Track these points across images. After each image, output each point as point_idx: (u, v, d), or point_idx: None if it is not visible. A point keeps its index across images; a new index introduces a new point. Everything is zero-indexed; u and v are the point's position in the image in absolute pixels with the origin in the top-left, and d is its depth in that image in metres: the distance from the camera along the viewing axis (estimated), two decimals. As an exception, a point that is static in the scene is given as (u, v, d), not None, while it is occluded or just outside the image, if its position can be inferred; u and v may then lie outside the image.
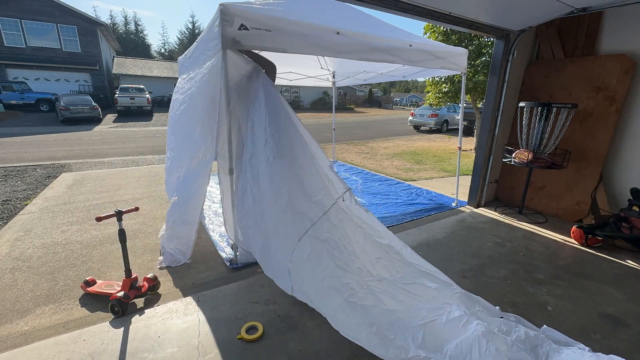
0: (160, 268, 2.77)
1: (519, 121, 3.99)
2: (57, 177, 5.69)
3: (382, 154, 9.03)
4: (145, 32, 55.84)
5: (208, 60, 2.76)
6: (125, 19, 44.93)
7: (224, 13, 2.25)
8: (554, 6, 3.20)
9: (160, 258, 2.86)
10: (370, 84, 36.06)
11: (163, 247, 2.92)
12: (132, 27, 42.44)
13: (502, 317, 1.94)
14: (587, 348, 1.79)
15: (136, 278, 2.30)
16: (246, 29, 2.32)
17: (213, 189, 4.91)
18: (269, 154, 2.32)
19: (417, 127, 16.79)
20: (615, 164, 3.81)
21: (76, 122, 14.03)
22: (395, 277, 2.09)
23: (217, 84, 2.51)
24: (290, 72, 5.78)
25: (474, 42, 8.30)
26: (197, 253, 3.05)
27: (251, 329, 2.02)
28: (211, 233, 3.44)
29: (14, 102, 16.53)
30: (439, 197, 4.91)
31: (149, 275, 2.39)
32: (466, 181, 4.80)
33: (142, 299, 2.34)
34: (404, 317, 1.89)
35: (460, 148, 4.47)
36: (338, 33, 2.79)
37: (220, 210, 3.88)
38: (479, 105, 10.06)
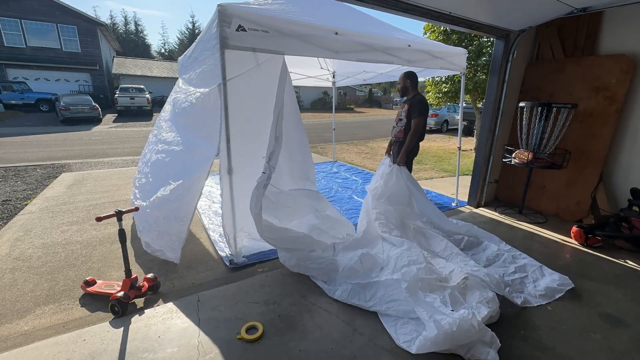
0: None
1: (519, 121, 3.99)
2: (57, 177, 5.69)
3: (382, 154, 9.03)
4: (145, 32, 55.85)
5: (207, 60, 2.76)
6: (125, 19, 44.98)
7: (222, 14, 2.25)
8: (554, 6, 3.20)
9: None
10: (370, 84, 36.03)
11: (149, 246, 2.81)
12: (132, 27, 42.42)
13: None
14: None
15: (136, 278, 2.30)
16: (244, 29, 2.31)
17: (213, 189, 4.92)
18: None
19: (417, 127, 16.77)
20: (615, 164, 3.81)
21: (76, 122, 14.03)
22: None
23: (217, 83, 2.52)
24: (290, 72, 5.76)
25: (474, 42, 8.30)
26: (197, 253, 3.06)
27: (251, 329, 2.02)
28: (211, 233, 3.44)
29: (14, 102, 16.51)
30: (438, 197, 4.91)
31: (149, 275, 2.39)
32: (466, 181, 4.80)
33: (142, 299, 2.34)
34: None
35: (460, 148, 4.47)
36: (336, 33, 2.79)
37: (220, 210, 3.88)
38: (479, 105, 10.07)
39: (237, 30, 2.30)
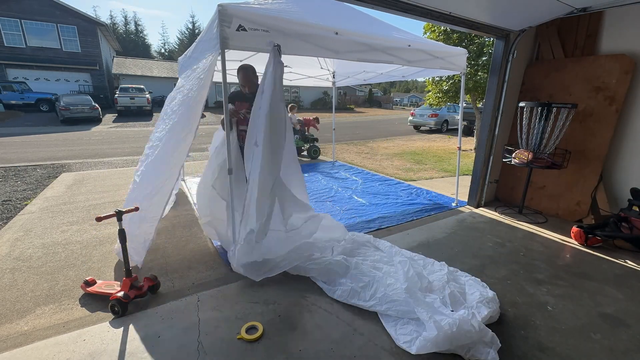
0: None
1: (519, 121, 3.99)
2: (57, 177, 5.69)
3: (382, 154, 9.03)
4: (145, 32, 55.89)
5: (206, 60, 2.76)
6: (125, 19, 45.08)
7: (223, 14, 2.24)
8: (554, 6, 3.20)
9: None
10: (370, 84, 36.05)
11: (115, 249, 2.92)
12: (132, 27, 42.47)
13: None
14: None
15: (136, 278, 2.30)
16: (244, 29, 2.31)
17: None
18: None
19: (417, 127, 16.80)
20: (615, 164, 3.81)
21: (76, 122, 14.03)
22: None
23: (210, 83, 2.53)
24: (290, 72, 5.78)
25: (475, 42, 8.31)
26: (197, 253, 3.06)
27: (251, 329, 2.02)
28: (211, 233, 3.43)
29: (14, 102, 16.54)
30: (438, 197, 4.91)
31: (149, 275, 2.39)
32: (466, 181, 4.80)
33: (142, 299, 2.34)
34: None
35: (460, 148, 4.47)
36: (337, 33, 2.79)
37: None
38: (479, 105, 10.06)
39: (237, 30, 2.30)
